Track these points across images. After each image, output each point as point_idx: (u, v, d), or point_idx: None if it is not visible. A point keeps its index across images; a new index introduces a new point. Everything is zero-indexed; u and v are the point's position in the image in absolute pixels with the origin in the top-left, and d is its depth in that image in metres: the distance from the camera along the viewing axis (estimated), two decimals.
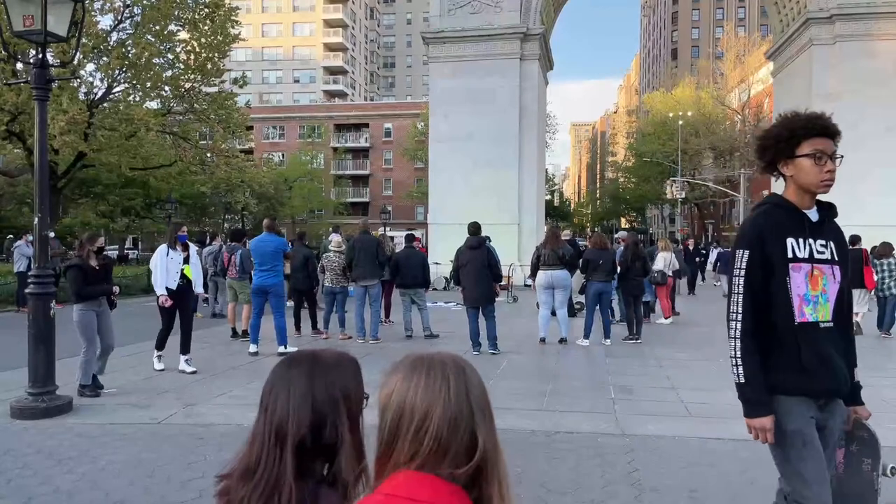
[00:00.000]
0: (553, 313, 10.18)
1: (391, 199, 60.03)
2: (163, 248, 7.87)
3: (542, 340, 10.09)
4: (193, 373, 7.77)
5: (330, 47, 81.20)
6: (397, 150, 58.66)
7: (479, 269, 8.92)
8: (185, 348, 7.90)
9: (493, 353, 8.92)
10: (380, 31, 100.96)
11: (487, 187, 22.87)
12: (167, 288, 7.62)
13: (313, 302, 11.07)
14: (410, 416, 1.04)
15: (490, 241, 9.30)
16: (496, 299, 9.19)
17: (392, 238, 20.99)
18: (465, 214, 22.32)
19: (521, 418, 6.02)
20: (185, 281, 7.83)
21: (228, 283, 10.89)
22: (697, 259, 21.95)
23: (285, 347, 8.87)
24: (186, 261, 7.91)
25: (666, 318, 12.91)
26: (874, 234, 18.32)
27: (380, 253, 9.97)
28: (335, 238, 10.89)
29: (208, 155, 25.20)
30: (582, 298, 11.51)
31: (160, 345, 8.01)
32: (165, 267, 7.67)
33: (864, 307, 11.31)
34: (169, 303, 7.63)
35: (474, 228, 9.34)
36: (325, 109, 65.12)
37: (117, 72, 21.31)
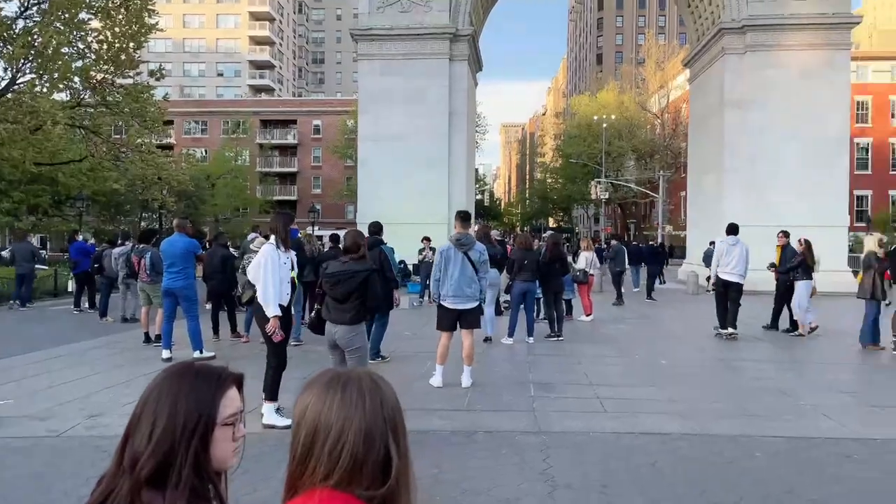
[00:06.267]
0: (481, 311, 10.26)
1: (320, 197, 59.03)
2: (270, 248, 5.67)
3: (487, 339, 10.16)
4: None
5: (256, 41, 79.02)
6: (327, 148, 57.70)
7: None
8: (272, 393, 5.71)
9: (371, 362, 8.18)
10: (308, 26, 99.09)
11: (417, 187, 22.87)
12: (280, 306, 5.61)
13: (233, 305, 10.72)
14: (325, 433, 1.03)
15: (385, 242, 8.86)
16: (396, 306, 8.63)
17: (320, 238, 20.63)
18: (395, 214, 22.41)
19: (442, 419, 6.02)
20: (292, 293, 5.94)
21: (140, 287, 10.38)
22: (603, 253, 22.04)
23: (201, 352, 8.54)
24: (292, 267, 5.94)
25: (587, 316, 13.29)
26: (792, 236, 19.51)
27: (300, 253, 9.74)
28: (257, 238, 10.56)
29: (123, 150, 23.96)
30: (508, 297, 11.67)
31: (273, 393, 5.69)
32: (279, 276, 5.63)
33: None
34: (280, 335, 5.60)
35: (374, 228, 8.95)
36: (250, 105, 63.31)
37: (22, 61, 19.94)
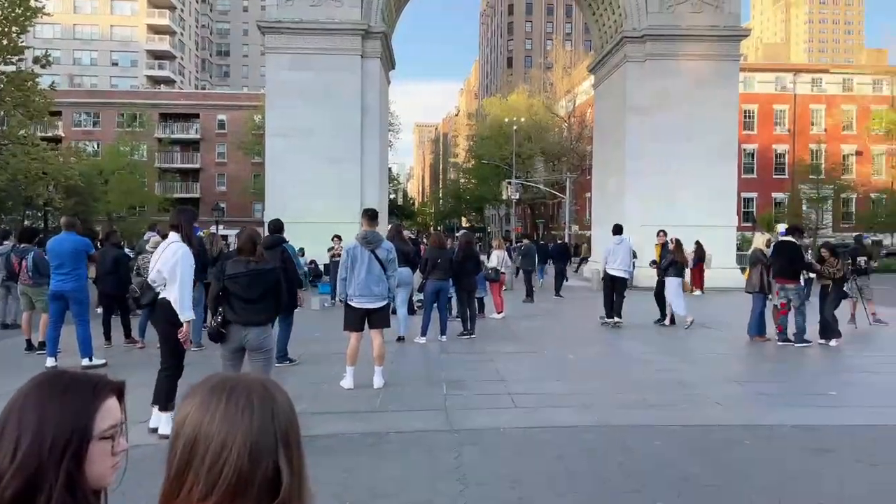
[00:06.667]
0: (393, 311, 10.16)
1: (226, 195, 56.66)
2: (184, 245, 5.38)
3: (400, 339, 10.07)
4: None
5: (155, 29, 74.80)
6: (233, 144, 55.46)
7: None
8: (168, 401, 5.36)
9: (279, 365, 7.95)
10: (212, 16, 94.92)
11: (328, 185, 22.42)
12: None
13: (126, 308, 10.03)
14: (205, 447, 0.92)
15: (287, 241, 8.62)
16: (297, 307, 8.45)
17: (225, 237, 19.78)
18: (306, 212, 21.90)
19: (353, 422, 5.90)
20: None
21: (21, 290, 9.51)
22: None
23: (90, 360, 7.92)
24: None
25: (498, 314, 13.50)
26: (685, 236, 20.67)
27: (204, 254, 9.26)
28: (154, 237, 9.95)
29: (4, 142, 21.99)
30: (422, 296, 11.64)
31: (169, 402, 5.27)
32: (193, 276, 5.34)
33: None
34: (191, 342, 5.44)
35: (275, 226, 8.65)
36: (148, 96, 59.71)
37: None
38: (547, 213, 63.87)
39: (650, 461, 4.87)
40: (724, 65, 23.66)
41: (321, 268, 19.99)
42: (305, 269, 19.81)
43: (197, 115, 59.09)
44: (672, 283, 12.19)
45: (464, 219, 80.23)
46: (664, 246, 12.85)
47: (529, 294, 17.16)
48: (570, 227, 45.34)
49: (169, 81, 74.89)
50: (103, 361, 8.16)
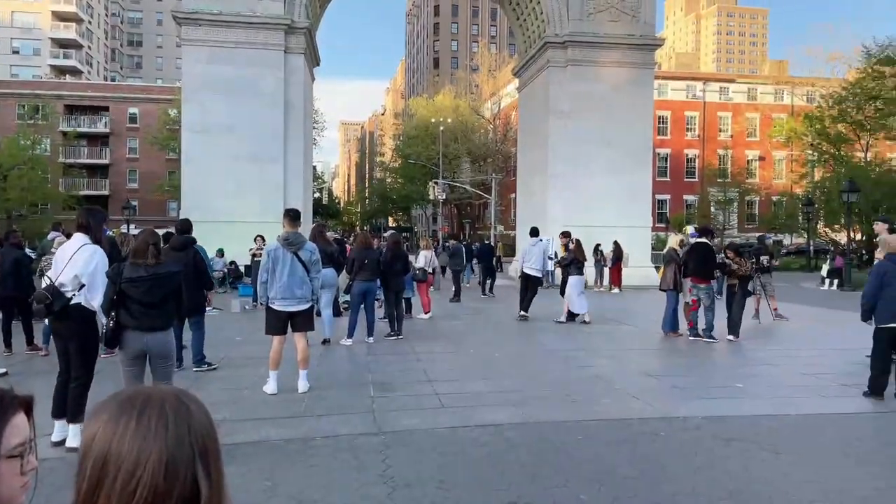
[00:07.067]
0: (318, 313, 9.97)
1: (138, 192, 53.84)
2: (97, 248, 5.15)
3: (325, 341, 9.88)
4: None
5: (60, 16, 70.12)
6: (145, 139, 52.77)
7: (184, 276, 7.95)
8: (79, 412, 5.10)
9: (198, 371, 7.90)
10: (123, 3, 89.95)
11: (250, 183, 21.76)
12: None
13: (28, 313, 9.34)
14: (117, 465, 0.88)
15: (196, 241, 8.33)
16: (206, 310, 8.20)
17: (136, 237, 18.79)
18: (227, 211, 21.17)
19: (277, 427, 5.74)
20: None
21: None
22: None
23: None
24: None
25: (426, 314, 13.52)
26: (597, 235, 21.54)
27: (116, 254, 8.76)
28: (58, 237, 9.32)
29: None
30: (348, 297, 11.49)
31: (80, 413, 5.05)
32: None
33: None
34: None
35: (182, 227, 8.30)
36: (52, 87, 55.84)
37: None
38: (473, 214, 64.60)
39: (574, 455, 5.01)
40: (640, 72, 24.71)
41: (241, 269, 19.39)
42: (225, 270, 19.22)
43: (106, 108, 55.87)
44: (573, 281, 12.74)
45: (391, 218, 79.90)
46: (567, 246, 13.54)
47: (457, 294, 17.31)
48: (496, 227, 46.05)
49: (75, 72, 70.33)
50: (4, 370, 7.60)
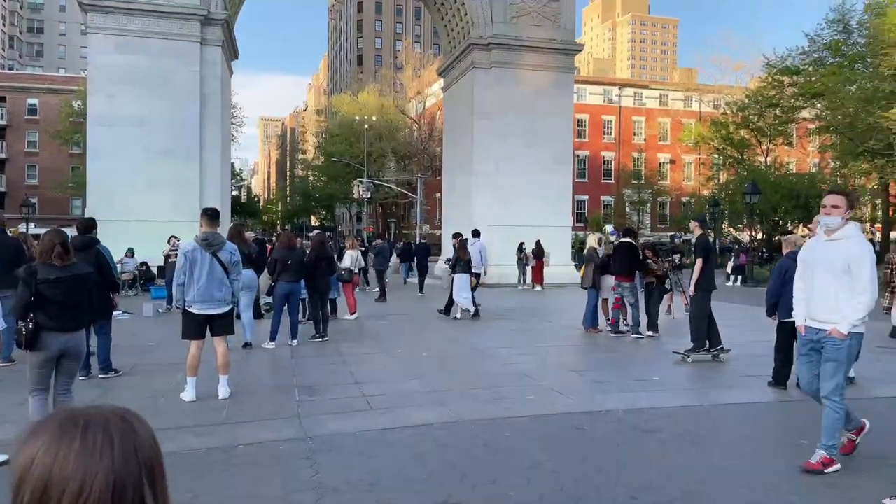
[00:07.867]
0: (238, 316, 9.62)
1: (37, 189, 50.32)
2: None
3: (247, 345, 9.56)
4: None
5: None
6: (46, 132, 49.28)
7: None
8: None
9: (104, 377, 7.52)
10: None
11: (163, 180, 20.73)
12: None
13: None
14: (60, 489, 0.83)
15: (99, 241, 7.84)
16: (114, 313, 7.81)
17: (37, 237, 17.50)
18: (138, 210, 20.08)
19: (197, 436, 5.49)
20: None
21: None
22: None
23: None
24: None
25: (351, 315, 13.34)
26: (522, 233, 21.98)
27: (21, 257, 8.12)
28: None
29: None
30: (270, 299, 11.15)
31: None
32: None
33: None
34: None
35: (84, 225, 7.83)
36: None
37: None
38: (398, 213, 64.40)
39: (502, 452, 5.07)
40: (561, 76, 25.39)
41: (154, 270, 18.48)
42: (136, 272, 18.21)
43: (3, 98, 51.91)
44: (458, 279, 13.38)
45: (314, 217, 78.43)
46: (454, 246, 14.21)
47: (382, 294, 17.18)
48: (421, 226, 46.12)
49: None
50: None
